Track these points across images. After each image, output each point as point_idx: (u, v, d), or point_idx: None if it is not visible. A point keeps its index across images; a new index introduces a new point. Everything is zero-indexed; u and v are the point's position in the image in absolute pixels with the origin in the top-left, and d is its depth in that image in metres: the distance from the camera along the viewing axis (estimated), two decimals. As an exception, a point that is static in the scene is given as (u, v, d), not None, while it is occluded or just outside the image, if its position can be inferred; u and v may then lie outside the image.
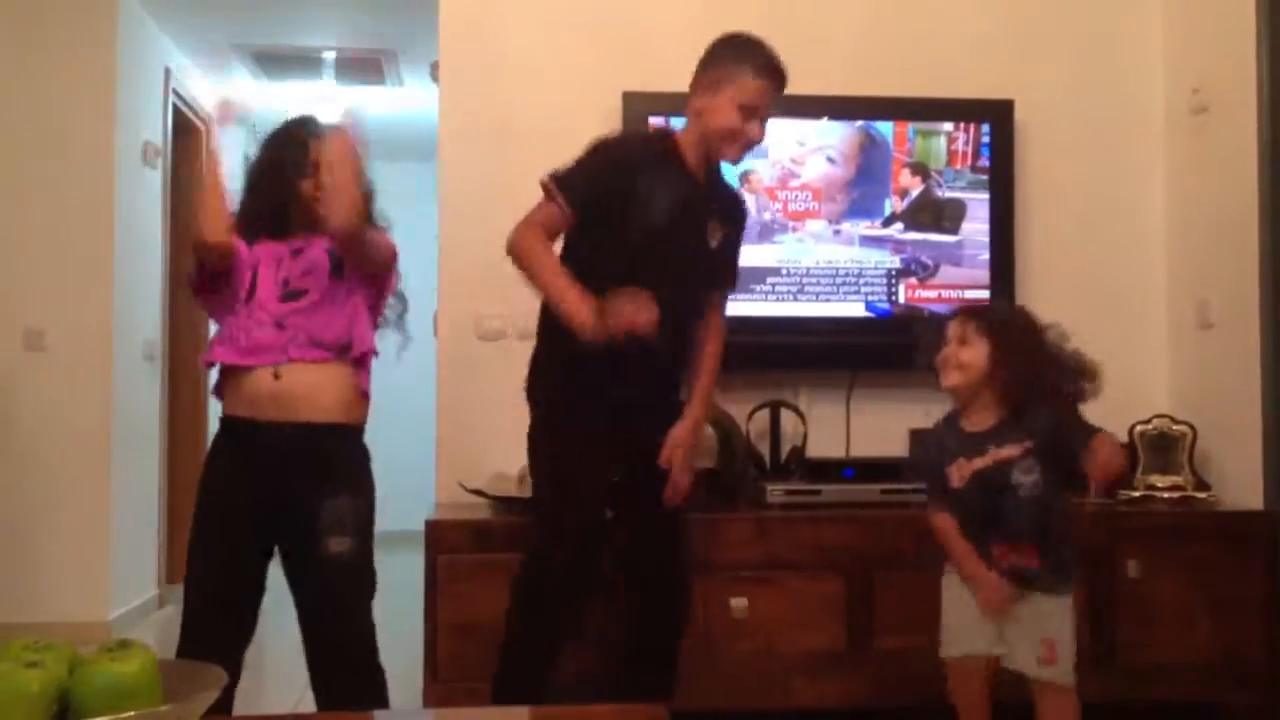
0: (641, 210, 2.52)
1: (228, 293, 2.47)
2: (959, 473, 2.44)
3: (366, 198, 2.53)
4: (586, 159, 2.58)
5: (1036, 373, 2.42)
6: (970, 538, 2.44)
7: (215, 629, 2.37)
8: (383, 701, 2.45)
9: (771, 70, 2.58)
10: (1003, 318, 2.55)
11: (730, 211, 2.74)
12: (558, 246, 2.59)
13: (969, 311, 2.57)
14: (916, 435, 3.09)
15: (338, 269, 2.46)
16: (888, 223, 3.65)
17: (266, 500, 2.39)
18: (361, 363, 2.50)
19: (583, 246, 2.57)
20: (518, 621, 2.60)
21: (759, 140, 2.62)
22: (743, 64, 2.57)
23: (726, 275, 2.76)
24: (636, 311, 2.30)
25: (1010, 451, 2.40)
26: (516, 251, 2.52)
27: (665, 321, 2.37)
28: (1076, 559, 2.51)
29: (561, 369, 2.59)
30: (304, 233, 2.49)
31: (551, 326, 2.53)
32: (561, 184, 2.53)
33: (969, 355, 2.45)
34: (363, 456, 2.54)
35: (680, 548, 2.72)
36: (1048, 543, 2.39)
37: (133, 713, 1.07)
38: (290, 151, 2.49)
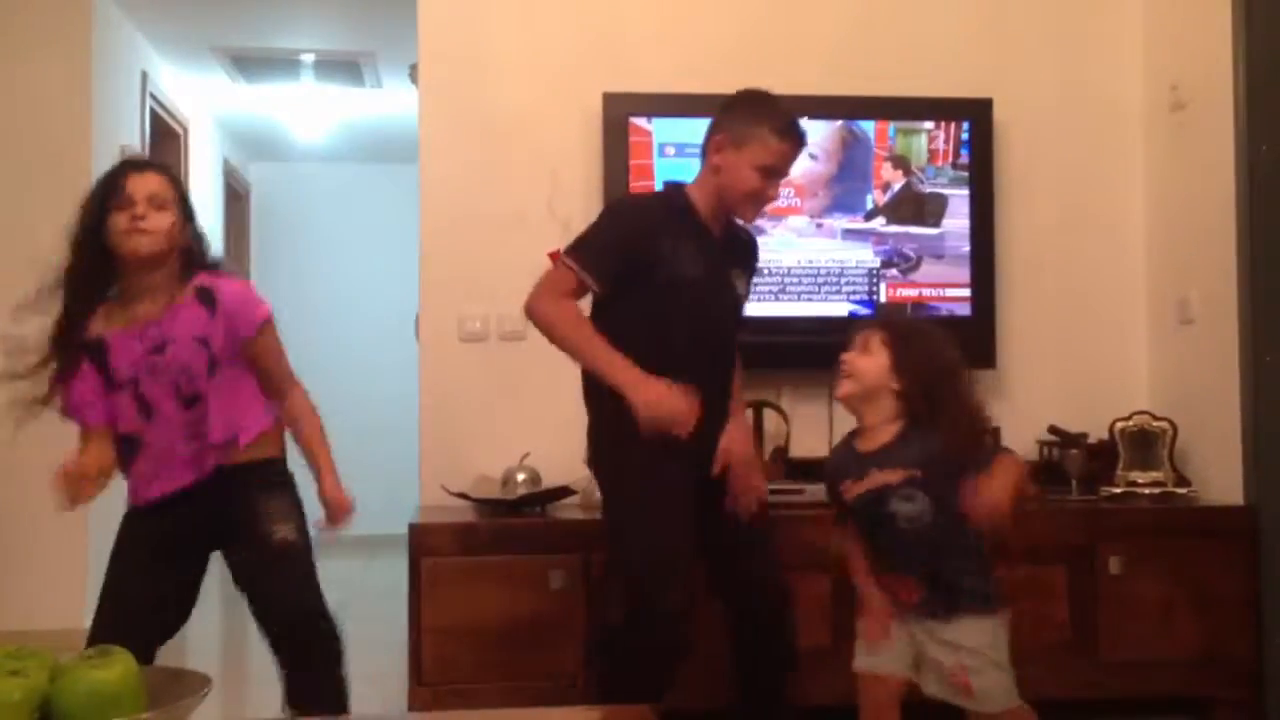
0: (669, 272, 2.52)
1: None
2: (847, 493, 2.37)
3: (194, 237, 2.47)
4: (606, 228, 2.59)
5: (935, 388, 2.27)
6: (868, 558, 2.39)
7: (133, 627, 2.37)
8: (342, 666, 2.49)
9: (794, 134, 2.59)
10: (909, 330, 2.41)
11: (746, 257, 2.77)
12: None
13: (876, 322, 2.53)
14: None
15: (214, 365, 2.39)
16: (870, 216, 3.66)
17: (196, 529, 2.42)
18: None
19: (613, 309, 2.57)
20: (612, 684, 2.54)
21: (776, 199, 2.66)
22: (763, 125, 2.55)
23: (742, 315, 2.80)
24: (677, 417, 2.39)
25: (888, 477, 2.28)
26: (556, 330, 2.52)
27: (709, 374, 2.55)
28: (996, 584, 2.33)
29: (629, 438, 2.47)
30: (132, 288, 2.39)
31: (604, 396, 2.51)
32: (585, 260, 2.52)
33: (865, 364, 2.32)
34: (289, 475, 2.54)
35: (769, 556, 2.72)
36: (937, 575, 2.27)
37: (116, 719, 1.06)
38: (102, 190, 2.39)
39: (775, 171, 2.58)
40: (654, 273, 2.52)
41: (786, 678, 2.74)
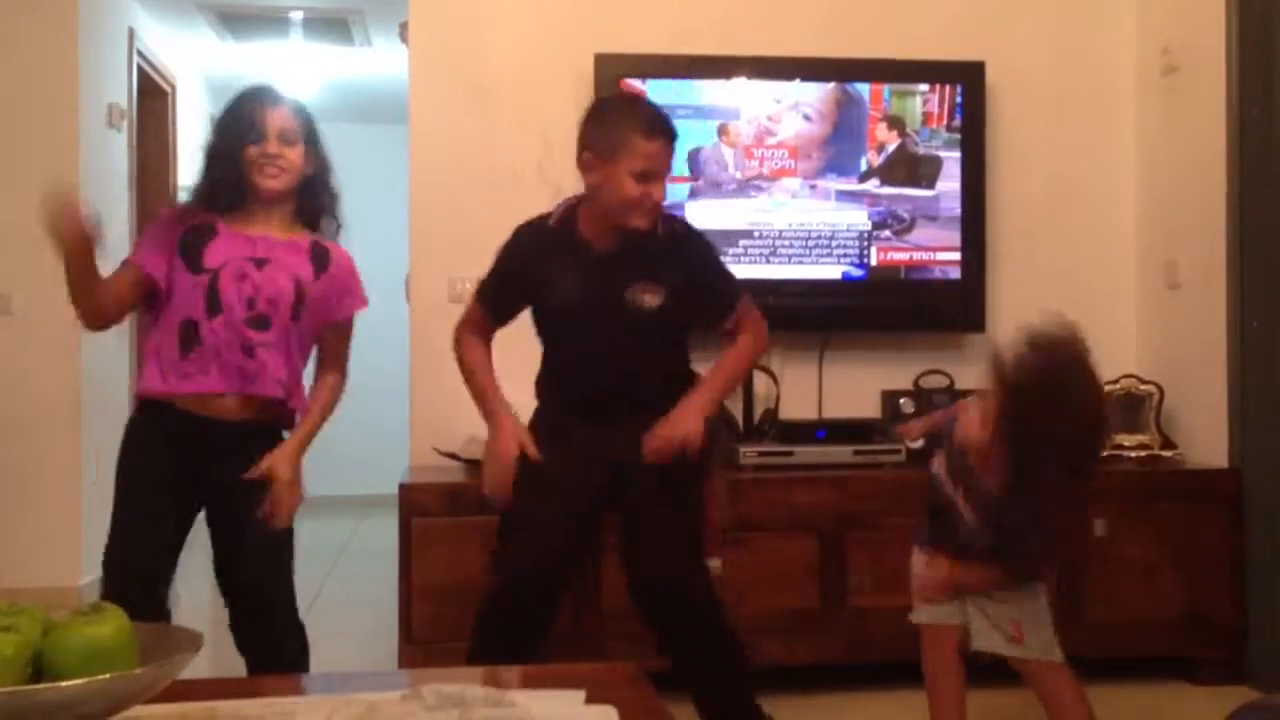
0: (549, 295, 2.57)
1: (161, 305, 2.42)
2: (933, 465, 2.42)
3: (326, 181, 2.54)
4: (495, 264, 2.66)
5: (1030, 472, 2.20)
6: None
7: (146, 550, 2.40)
8: (306, 653, 2.50)
9: (661, 128, 2.45)
10: (1028, 407, 2.18)
11: (664, 265, 2.55)
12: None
13: (1003, 380, 2.24)
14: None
15: (299, 307, 2.42)
16: (864, 178, 3.65)
17: (192, 470, 2.40)
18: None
19: (536, 325, 2.68)
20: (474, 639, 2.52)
21: (663, 200, 2.50)
22: (629, 129, 2.43)
23: (712, 306, 2.62)
24: (494, 482, 2.55)
25: (962, 502, 2.33)
26: (457, 359, 2.69)
27: (612, 390, 2.57)
28: (1042, 553, 2.38)
29: (546, 401, 2.68)
30: (255, 211, 2.44)
31: (540, 376, 2.69)
32: (480, 295, 2.68)
33: (972, 433, 2.29)
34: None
35: (669, 541, 2.56)
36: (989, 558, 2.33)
37: (108, 675, 1.07)
38: (238, 126, 2.44)
39: (653, 174, 2.44)
40: (537, 301, 2.61)
41: (723, 661, 2.58)
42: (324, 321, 2.49)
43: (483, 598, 2.51)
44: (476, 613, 2.52)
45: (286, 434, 2.50)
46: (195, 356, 2.37)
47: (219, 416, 2.38)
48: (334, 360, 2.55)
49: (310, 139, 2.48)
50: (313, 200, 2.51)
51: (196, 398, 2.37)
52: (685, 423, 2.49)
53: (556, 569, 2.52)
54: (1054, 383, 2.17)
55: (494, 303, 2.66)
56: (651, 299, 2.53)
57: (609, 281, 2.53)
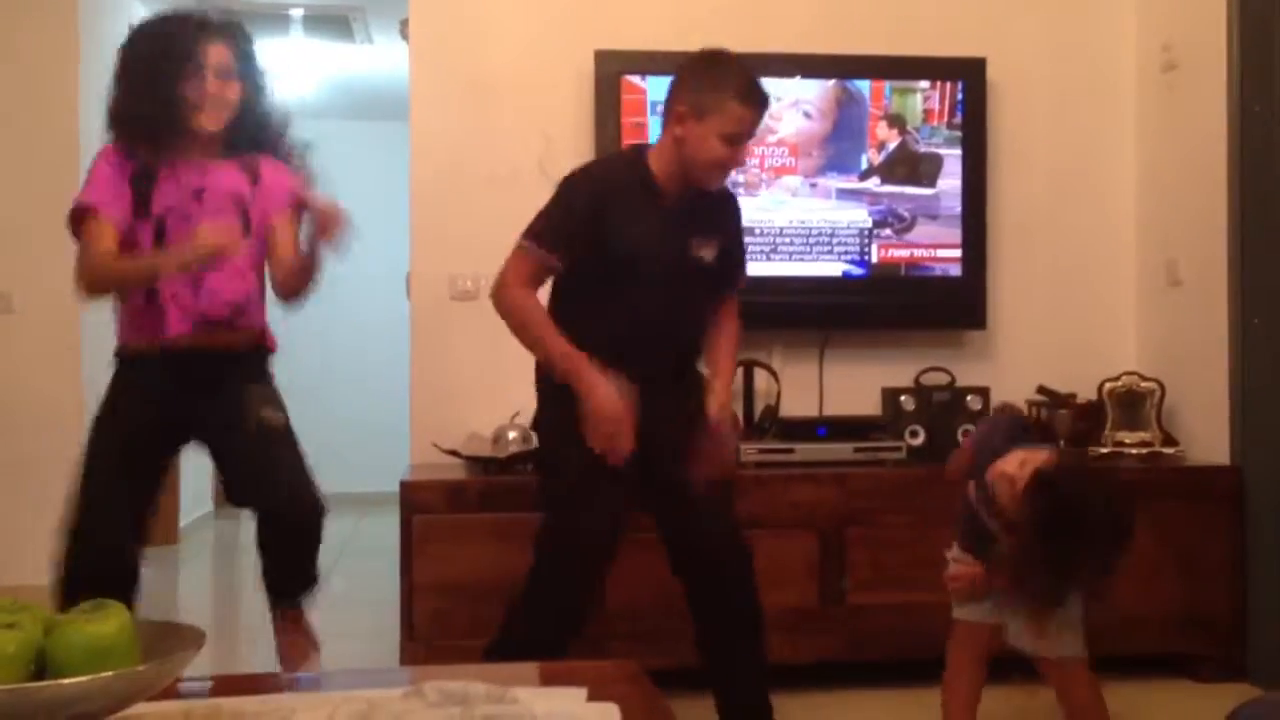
0: (616, 243, 2.51)
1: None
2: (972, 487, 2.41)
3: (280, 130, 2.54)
4: (561, 204, 2.56)
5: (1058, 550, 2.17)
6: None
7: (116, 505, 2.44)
8: (319, 550, 2.55)
9: (757, 97, 2.48)
10: (1060, 508, 2.16)
11: (718, 220, 2.64)
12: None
13: (1044, 479, 2.20)
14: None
15: (245, 227, 2.45)
16: (864, 176, 3.65)
17: (176, 405, 2.44)
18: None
19: (571, 279, 2.57)
20: (522, 614, 2.57)
21: (744, 165, 2.55)
22: (725, 91, 2.46)
23: (731, 276, 2.69)
24: (618, 436, 2.42)
25: (1002, 533, 2.33)
26: (513, 318, 2.53)
27: (663, 346, 2.57)
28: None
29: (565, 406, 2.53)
30: (190, 150, 2.44)
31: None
32: (543, 239, 2.52)
33: (1006, 501, 2.25)
34: (271, 372, 2.59)
35: (726, 518, 2.65)
36: None
37: (111, 672, 1.07)
38: (175, 48, 2.42)
39: (740, 138, 2.48)
40: (605, 248, 2.51)
41: (757, 640, 2.66)
42: (267, 222, 2.50)
43: (533, 570, 2.55)
44: (515, 610, 2.56)
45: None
46: (154, 302, 2.42)
47: (194, 349, 2.42)
48: (287, 265, 2.54)
49: (245, 61, 2.45)
50: (243, 133, 2.49)
51: (170, 341, 2.42)
52: (731, 438, 2.64)
53: (608, 541, 2.54)
54: (1073, 514, 2.15)
55: (565, 243, 2.51)
56: (709, 252, 2.60)
57: (677, 231, 2.56)
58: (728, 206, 2.70)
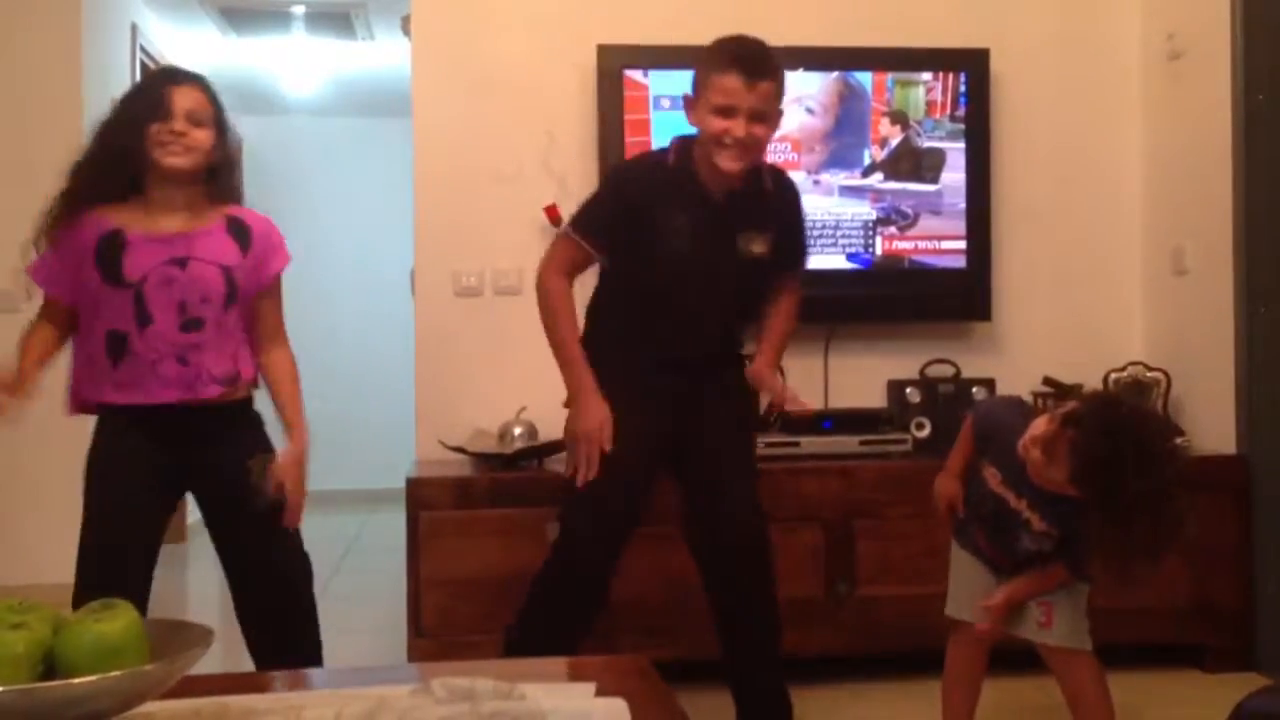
0: (661, 240, 2.53)
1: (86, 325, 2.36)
2: (989, 478, 2.32)
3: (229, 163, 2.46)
4: (606, 196, 2.60)
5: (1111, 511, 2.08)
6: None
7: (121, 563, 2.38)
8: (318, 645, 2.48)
9: (735, 59, 2.44)
10: (1106, 454, 2.04)
11: (770, 213, 2.63)
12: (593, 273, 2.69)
13: (1075, 420, 2.08)
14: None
15: (232, 296, 2.36)
16: (867, 173, 3.64)
17: (170, 455, 2.36)
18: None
19: (615, 273, 2.63)
20: (539, 595, 2.59)
21: (743, 136, 2.44)
22: (710, 64, 2.48)
23: (790, 261, 2.72)
24: (590, 454, 2.49)
25: (1031, 516, 2.26)
26: (542, 301, 2.60)
27: (704, 331, 2.61)
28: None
29: (609, 355, 2.61)
30: (155, 199, 2.35)
31: (602, 326, 2.66)
32: (586, 231, 2.56)
33: (1040, 468, 2.15)
34: (259, 416, 2.50)
35: (747, 499, 2.65)
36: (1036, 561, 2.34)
37: (119, 671, 1.07)
38: (143, 99, 2.37)
39: (731, 110, 2.43)
40: (646, 240, 2.53)
41: (771, 631, 2.68)
42: (257, 293, 2.42)
43: (545, 567, 2.58)
44: (536, 583, 2.59)
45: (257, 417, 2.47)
46: (127, 367, 2.31)
47: (181, 406, 2.34)
48: (274, 333, 2.47)
49: (220, 125, 2.39)
50: (222, 186, 2.41)
51: (154, 406, 2.32)
52: (775, 387, 2.68)
53: (618, 537, 2.56)
54: (1117, 451, 2.05)
55: (606, 232, 2.55)
56: (759, 247, 2.61)
57: (723, 227, 2.57)
58: (784, 196, 2.69)
